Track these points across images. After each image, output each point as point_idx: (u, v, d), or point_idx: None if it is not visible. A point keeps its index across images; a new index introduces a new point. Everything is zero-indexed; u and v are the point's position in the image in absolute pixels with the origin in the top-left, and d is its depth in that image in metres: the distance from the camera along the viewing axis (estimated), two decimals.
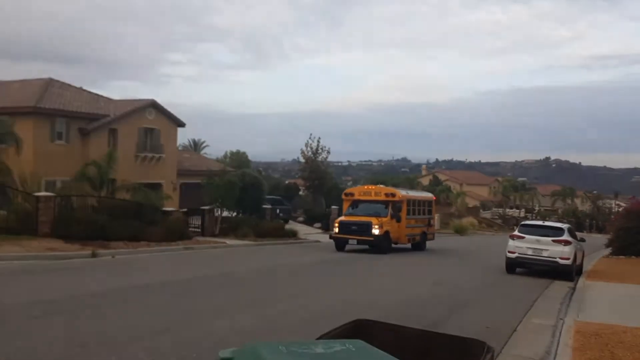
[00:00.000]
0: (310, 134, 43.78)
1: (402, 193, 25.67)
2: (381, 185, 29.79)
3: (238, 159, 60.85)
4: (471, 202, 77.21)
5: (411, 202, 25.81)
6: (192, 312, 9.21)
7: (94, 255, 16.77)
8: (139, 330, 7.70)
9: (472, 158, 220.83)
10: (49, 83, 31.04)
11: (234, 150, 67.28)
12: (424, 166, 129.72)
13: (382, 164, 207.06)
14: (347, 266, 18.53)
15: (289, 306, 10.29)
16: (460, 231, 47.16)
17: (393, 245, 24.03)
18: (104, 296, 10.24)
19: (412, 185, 66.70)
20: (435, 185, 77.68)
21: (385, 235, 22.97)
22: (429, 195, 31.13)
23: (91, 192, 22.40)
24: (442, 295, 13.03)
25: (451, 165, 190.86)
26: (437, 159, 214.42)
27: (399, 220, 23.97)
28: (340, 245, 23.46)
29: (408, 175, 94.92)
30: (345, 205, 25.72)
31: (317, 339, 3.35)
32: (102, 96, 34.06)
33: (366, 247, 23.01)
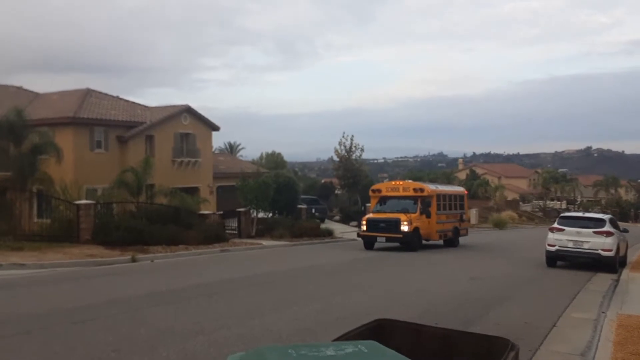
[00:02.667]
0: (344, 132, 43.64)
1: (431, 188, 24.99)
2: (409, 181, 29.29)
3: (274, 160, 61.24)
4: (510, 195, 75.77)
5: (441, 197, 25.11)
6: (227, 313, 9.30)
7: (133, 260, 17.14)
8: (171, 333, 7.81)
9: (510, 150, 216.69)
10: (87, 93, 31.91)
11: (270, 151, 67.71)
12: (460, 160, 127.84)
13: (418, 159, 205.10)
14: (378, 265, 18.37)
15: (326, 305, 10.27)
16: (499, 225, 46.32)
17: (424, 242, 23.53)
18: (140, 300, 10.42)
19: (449, 180, 65.89)
20: (472, 179, 76.52)
21: (415, 231, 22.42)
22: (460, 189, 30.38)
23: (129, 198, 22.91)
24: (480, 292, 12.80)
25: (489, 158, 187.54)
26: (474, 153, 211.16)
27: (428, 215, 23.34)
28: (369, 243, 23.02)
29: (445, 170, 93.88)
30: (373, 202, 25.15)
31: (335, 340, 3.32)
32: (138, 104, 34.81)
33: (396, 244, 22.65)
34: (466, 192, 30.09)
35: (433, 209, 23.81)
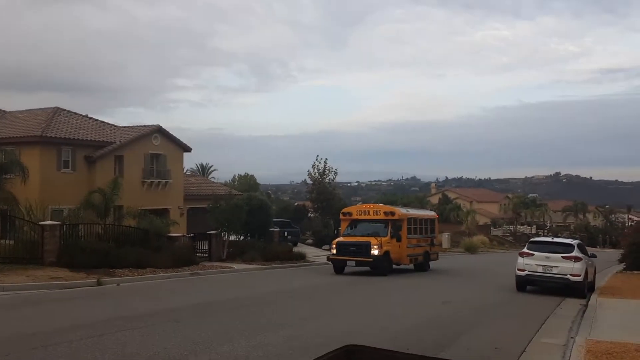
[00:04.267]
0: (317, 156, 43.77)
1: (402, 211, 24.77)
2: (380, 204, 29.12)
3: (246, 182, 60.89)
4: (482, 220, 76.65)
5: (412, 221, 24.96)
6: (195, 339, 9.05)
7: (99, 283, 16.69)
8: (136, 359, 7.55)
9: (482, 175, 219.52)
10: (55, 112, 31.37)
11: (242, 173, 67.34)
12: (433, 184, 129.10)
13: (392, 183, 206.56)
14: (349, 289, 18.25)
15: (294, 332, 10.09)
16: (470, 249, 46.74)
17: (394, 267, 23.29)
18: (105, 325, 10.09)
19: (422, 204, 66.32)
20: (445, 203, 77.27)
21: (385, 255, 22.10)
22: (431, 213, 30.24)
23: (96, 220, 22.41)
24: (451, 316, 12.78)
25: (461, 182, 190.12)
26: (446, 177, 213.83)
27: (399, 239, 23.01)
28: (339, 267, 22.59)
29: (418, 194, 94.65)
30: (344, 226, 24.75)
31: None
32: (108, 123, 34.34)
33: (366, 268, 22.37)
34: (437, 216, 29.98)
35: (404, 232, 23.62)
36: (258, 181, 67.89)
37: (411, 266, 24.79)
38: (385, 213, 23.76)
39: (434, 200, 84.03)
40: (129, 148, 31.74)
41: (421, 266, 25.11)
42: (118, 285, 16.94)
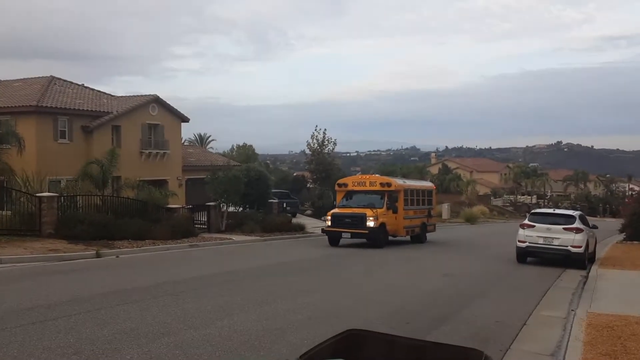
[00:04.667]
0: (316, 126, 43.61)
1: (398, 182, 24.28)
2: (376, 175, 28.51)
3: (245, 153, 60.67)
4: (482, 190, 76.63)
5: (409, 192, 24.53)
6: (194, 312, 8.99)
7: (98, 255, 16.66)
8: (135, 334, 7.48)
9: (482, 145, 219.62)
10: (51, 81, 30.95)
11: (241, 143, 67.07)
12: (433, 154, 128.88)
13: (391, 153, 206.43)
14: (348, 261, 18.20)
15: (295, 304, 10.04)
16: (470, 220, 46.79)
17: (390, 238, 23.06)
18: (104, 299, 10.03)
19: (422, 174, 66.23)
20: (444, 173, 77.20)
21: (381, 227, 21.73)
22: (428, 184, 29.68)
23: (94, 191, 22.28)
24: (451, 289, 12.75)
25: (461, 152, 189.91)
26: (446, 147, 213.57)
27: (395, 211, 22.70)
28: (333, 239, 22.25)
29: (417, 164, 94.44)
30: (339, 197, 24.29)
31: (304, 353, 3.08)
32: (104, 93, 33.96)
33: (362, 240, 22.24)
34: (435, 187, 29.56)
35: (400, 204, 23.31)
36: (256, 151, 67.67)
37: (408, 238, 24.59)
38: (382, 184, 23.28)
39: (434, 170, 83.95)
40: (126, 118, 31.42)
41: (418, 238, 24.91)
42: (117, 257, 16.90)
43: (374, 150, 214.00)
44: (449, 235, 30.81)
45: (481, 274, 15.73)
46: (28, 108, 26.80)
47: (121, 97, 34.47)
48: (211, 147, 62.55)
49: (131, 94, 35.29)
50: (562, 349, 7.50)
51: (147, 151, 32.40)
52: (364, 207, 22.09)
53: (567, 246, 16.90)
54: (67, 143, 28.34)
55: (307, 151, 44.57)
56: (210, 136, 67.62)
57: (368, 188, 23.40)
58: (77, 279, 12.78)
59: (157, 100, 33.67)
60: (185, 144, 45.98)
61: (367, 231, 21.48)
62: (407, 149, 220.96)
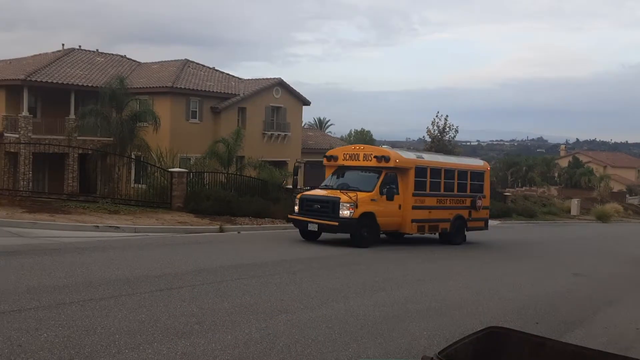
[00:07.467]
0: (438, 112, 42.25)
1: (403, 156, 17.30)
2: (372, 146, 22.04)
3: (362, 138, 60.77)
4: (616, 187, 70.63)
5: (428, 171, 17.72)
6: (311, 293, 8.98)
7: (221, 230, 17.35)
8: (254, 310, 7.58)
9: (618, 138, 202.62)
10: (185, 64, 32.78)
11: (359, 129, 67.13)
12: (562, 146, 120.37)
13: (515, 143, 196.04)
14: (476, 253, 17.33)
15: (414, 292, 9.71)
16: (602, 218, 43.19)
17: (413, 236, 18.23)
18: (225, 272, 10.35)
19: (549, 167, 62.14)
20: (575, 167, 71.99)
21: (363, 219, 15.56)
22: (475, 162, 21.38)
23: (220, 169, 23.29)
24: (583, 291, 11.72)
25: (593, 145, 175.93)
26: (577, 139, 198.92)
27: (390, 197, 16.31)
28: (302, 231, 16.67)
29: (545, 156, 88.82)
30: (328, 174, 18.35)
31: (443, 349, 2.77)
32: (232, 76, 35.37)
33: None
34: (488, 168, 21.68)
35: (407, 187, 17.05)
36: (374, 137, 67.43)
37: (436, 236, 19.00)
38: (377, 158, 16.68)
39: (563, 163, 78.51)
40: (252, 100, 32.53)
41: (448, 237, 18.44)
42: (239, 233, 17.51)
43: (496, 140, 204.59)
44: (580, 231, 28.58)
45: (618, 277, 14.34)
46: (164, 89, 28.64)
47: (247, 80, 35.73)
48: (330, 131, 63.26)
49: (256, 77, 36.46)
50: None
51: (269, 133, 33.36)
52: (348, 188, 16.25)
53: None
54: (197, 123, 29.93)
55: (427, 138, 43.42)
56: (329, 120, 68.49)
57: (362, 163, 17.12)
58: (202, 250, 13.35)
59: (280, 84, 34.49)
60: (305, 127, 46.83)
61: (336, 223, 15.45)
62: (532, 140, 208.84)
